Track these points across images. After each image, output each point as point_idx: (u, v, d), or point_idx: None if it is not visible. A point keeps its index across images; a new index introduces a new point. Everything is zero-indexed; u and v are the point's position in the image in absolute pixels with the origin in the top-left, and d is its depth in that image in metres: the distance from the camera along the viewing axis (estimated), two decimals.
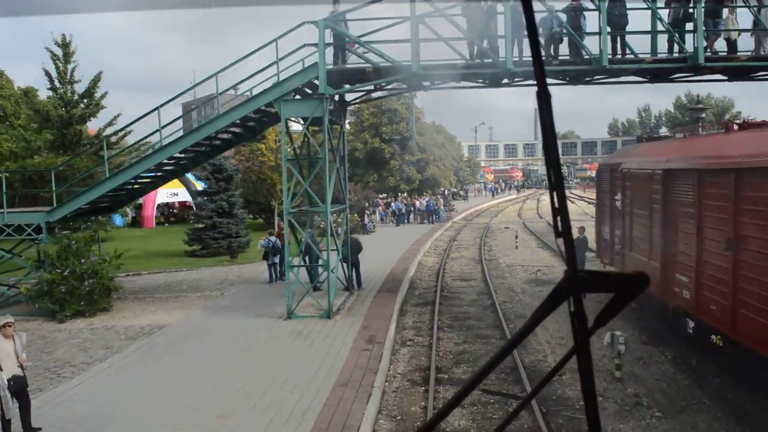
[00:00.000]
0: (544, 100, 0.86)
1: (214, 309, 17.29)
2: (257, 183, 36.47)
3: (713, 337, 10.30)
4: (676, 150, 13.14)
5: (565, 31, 15.07)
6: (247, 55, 16.08)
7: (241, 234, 28.90)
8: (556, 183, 0.89)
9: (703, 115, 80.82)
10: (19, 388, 8.66)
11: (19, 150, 31.59)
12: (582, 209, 44.09)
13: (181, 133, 18.11)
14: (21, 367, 8.75)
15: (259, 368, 11.69)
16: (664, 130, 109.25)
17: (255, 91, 16.52)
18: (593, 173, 62.37)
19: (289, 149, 17.12)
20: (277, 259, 21.09)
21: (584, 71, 15.54)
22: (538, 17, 14.93)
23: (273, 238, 21.23)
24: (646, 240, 13.17)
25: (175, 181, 40.17)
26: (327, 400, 9.94)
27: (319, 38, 14.85)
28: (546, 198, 73.85)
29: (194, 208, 46.54)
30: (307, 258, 18.62)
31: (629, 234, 14.42)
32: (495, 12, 15.44)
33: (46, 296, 16.31)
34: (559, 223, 0.91)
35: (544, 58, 12.27)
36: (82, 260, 16.48)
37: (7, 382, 8.41)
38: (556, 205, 0.90)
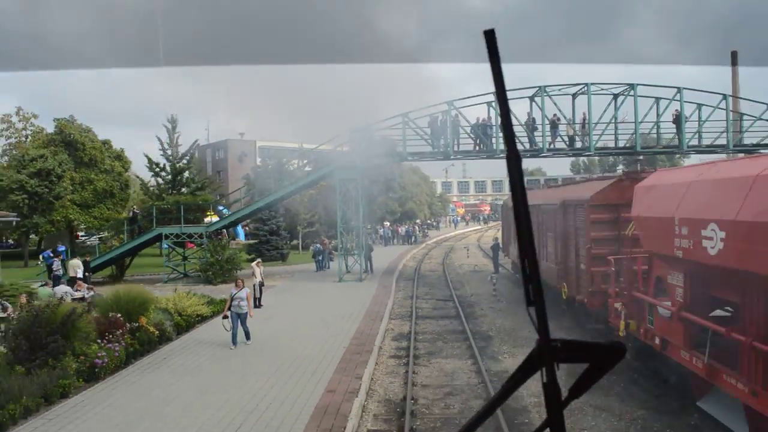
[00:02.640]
0: (513, 162, 0.84)
1: (293, 280, 31.65)
2: (284, 214, 50.83)
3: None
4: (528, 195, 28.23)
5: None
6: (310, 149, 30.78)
7: (285, 247, 43.30)
8: (528, 249, 0.85)
9: (641, 157, 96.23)
10: (261, 286, 23.03)
11: (115, 189, 45.97)
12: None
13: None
14: (262, 277, 23.12)
15: (336, 296, 26.10)
16: (620, 168, 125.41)
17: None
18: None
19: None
20: (320, 257, 35.53)
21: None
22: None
23: (319, 245, 35.81)
24: (513, 239, 28.06)
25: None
26: (372, 300, 24.38)
27: (351, 141, 29.70)
28: None
29: (227, 234, 60.89)
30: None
31: (510, 237, 29.37)
32: (446, 123, 30.38)
33: (207, 271, 30.60)
34: (531, 291, 0.86)
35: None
36: (226, 252, 30.94)
37: (259, 282, 22.79)
38: (527, 271, 0.86)
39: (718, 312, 10.60)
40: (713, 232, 8.82)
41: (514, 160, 0.91)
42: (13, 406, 11.16)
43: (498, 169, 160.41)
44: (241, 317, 17.42)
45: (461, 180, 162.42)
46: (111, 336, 15.37)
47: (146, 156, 42.14)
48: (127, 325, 16.36)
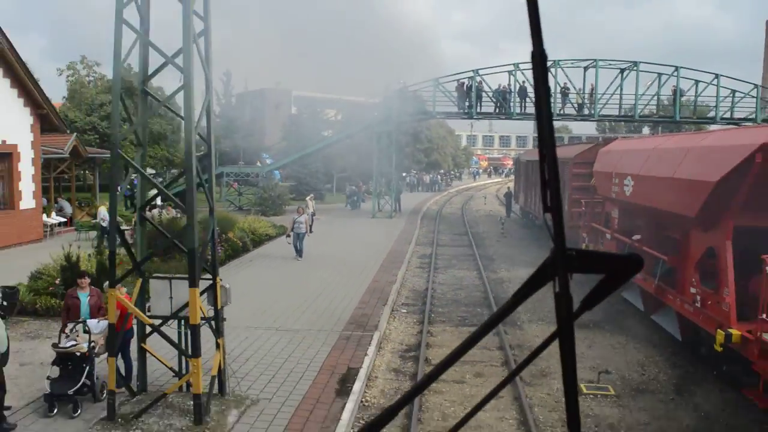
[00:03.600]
0: (539, 62, 0.79)
1: (332, 216, 37.19)
2: (321, 159, 56.25)
3: (528, 212, 30.31)
4: (532, 152, 33.19)
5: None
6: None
7: (322, 188, 48.89)
8: (549, 153, 0.81)
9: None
10: (313, 216, 28.57)
11: (167, 132, 51.54)
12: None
13: None
14: (314, 209, 28.66)
15: (372, 227, 31.61)
16: (646, 130, 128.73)
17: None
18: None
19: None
20: (355, 197, 41.03)
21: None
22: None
23: (354, 187, 41.31)
24: (525, 194, 33.27)
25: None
26: (401, 231, 29.87)
27: (387, 98, 34.77)
28: None
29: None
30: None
31: (521, 187, 34.62)
32: (471, 88, 35.21)
33: (262, 205, 36.26)
34: (548, 196, 0.81)
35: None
36: (277, 190, 36.54)
37: (311, 213, 28.32)
38: (547, 176, 0.81)
39: (638, 236, 15.87)
40: (629, 181, 14.04)
41: (539, 58, 0.79)
42: None
43: (522, 126, 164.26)
44: (300, 236, 22.80)
45: (486, 134, 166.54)
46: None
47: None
48: (222, 235, 22.05)
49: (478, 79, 34.92)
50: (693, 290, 10.94)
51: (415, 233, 29.30)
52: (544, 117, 0.80)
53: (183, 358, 8.97)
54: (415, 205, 44.52)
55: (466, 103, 35.42)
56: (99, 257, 16.43)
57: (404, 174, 67.75)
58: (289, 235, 22.76)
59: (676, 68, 35.14)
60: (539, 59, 0.80)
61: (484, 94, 35.62)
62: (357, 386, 9.97)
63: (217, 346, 8.89)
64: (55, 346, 8.96)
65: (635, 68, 35.11)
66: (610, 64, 35.60)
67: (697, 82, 36.38)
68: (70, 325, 9.32)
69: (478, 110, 35.53)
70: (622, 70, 35.59)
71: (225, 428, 8.20)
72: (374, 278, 18.42)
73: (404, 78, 35.68)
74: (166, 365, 9.05)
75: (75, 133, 29.74)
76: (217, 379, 8.83)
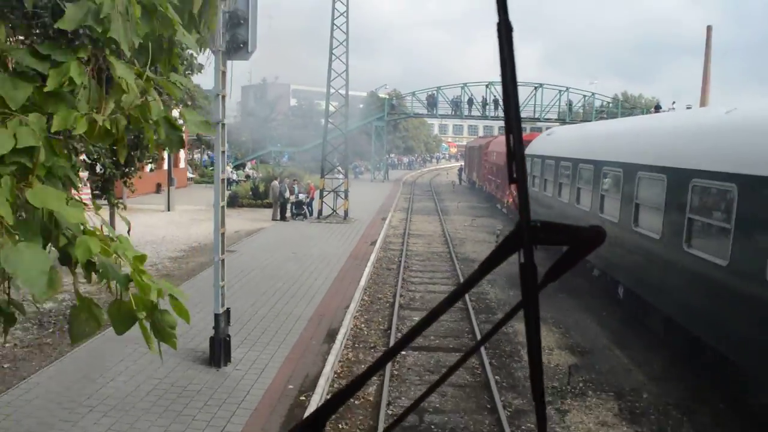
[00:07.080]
0: (504, 33, 0.80)
1: None
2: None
3: (480, 188, 49.52)
4: (478, 140, 52.50)
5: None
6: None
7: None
8: (514, 125, 0.82)
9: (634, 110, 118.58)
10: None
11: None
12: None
13: None
14: None
15: (372, 186, 50.56)
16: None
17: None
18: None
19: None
20: (358, 170, 59.81)
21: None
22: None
23: (356, 163, 60.21)
24: (469, 168, 52.46)
25: None
26: (391, 189, 48.84)
27: (385, 106, 53.70)
28: None
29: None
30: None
31: (467, 164, 53.88)
32: (437, 98, 54.18)
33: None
34: (514, 168, 0.82)
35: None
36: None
37: None
38: (512, 148, 0.82)
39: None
40: (495, 156, 33.23)
41: (504, 29, 0.79)
42: None
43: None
44: None
45: (456, 123, 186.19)
46: None
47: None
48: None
49: (439, 92, 54.04)
50: (508, 193, 30.20)
51: (400, 189, 48.42)
52: (509, 89, 0.80)
53: (336, 203, 27.89)
54: (398, 177, 63.58)
55: (434, 109, 54.57)
56: (254, 184, 35.15)
57: (385, 156, 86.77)
58: None
59: (567, 88, 54.63)
60: (504, 30, 0.80)
61: (443, 101, 54.77)
62: (387, 219, 29.09)
63: (346, 198, 27.91)
64: (295, 198, 27.93)
65: (541, 87, 54.45)
66: (524, 83, 54.86)
67: (584, 96, 55.94)
68: (292, 197, 28.27)
69: (440, 113, 54.78)
70: (535, 88, 54.93)
71: (352, 222, 27.34)
72: (382, 204, 37.47)
73: (387, 82, 54.44)
74: (329, 206, 28.00)
75: None
76: (345, 211, 27.84)
